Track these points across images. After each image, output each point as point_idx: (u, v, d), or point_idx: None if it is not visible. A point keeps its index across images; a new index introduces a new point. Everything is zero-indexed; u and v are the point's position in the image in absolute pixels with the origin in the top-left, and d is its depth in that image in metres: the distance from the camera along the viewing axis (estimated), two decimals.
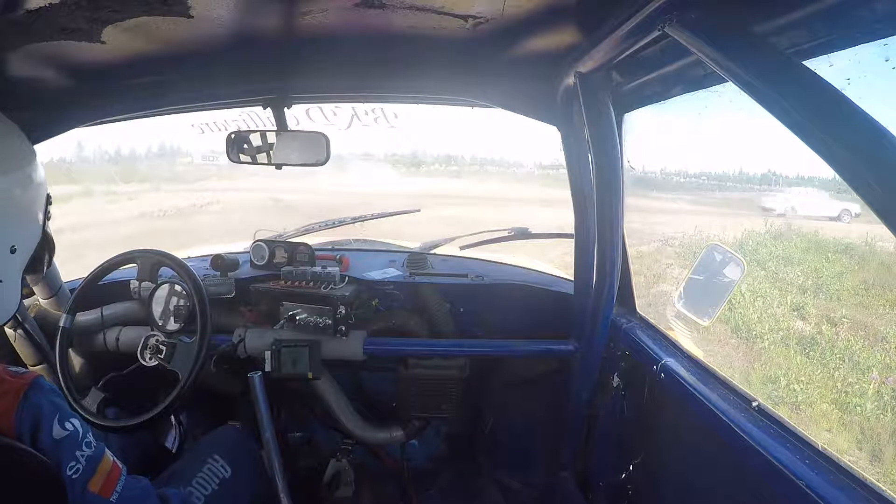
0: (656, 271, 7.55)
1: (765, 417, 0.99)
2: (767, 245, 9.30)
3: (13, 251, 0.88)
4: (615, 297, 1.42)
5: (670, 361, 1.26)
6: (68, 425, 0.83)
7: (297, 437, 2.04)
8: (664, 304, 5.08)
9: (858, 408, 4.74)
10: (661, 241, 9.33)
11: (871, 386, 4.95)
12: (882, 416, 4.62)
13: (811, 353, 5.69)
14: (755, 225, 10.49)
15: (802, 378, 5.23)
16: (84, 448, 0.83)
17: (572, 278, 1.58)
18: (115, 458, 0.90)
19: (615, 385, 1.50)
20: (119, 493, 0.86)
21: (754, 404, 1.02)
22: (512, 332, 1.74)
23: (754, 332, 5.97)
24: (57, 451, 0.80)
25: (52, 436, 0.80)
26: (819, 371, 5.36)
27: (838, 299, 7.01)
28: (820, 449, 0.87)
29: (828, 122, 0.58)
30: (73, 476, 0.81)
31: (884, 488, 0.75)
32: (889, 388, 4.87)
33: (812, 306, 6.79)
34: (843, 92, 0.57)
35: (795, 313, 6.65)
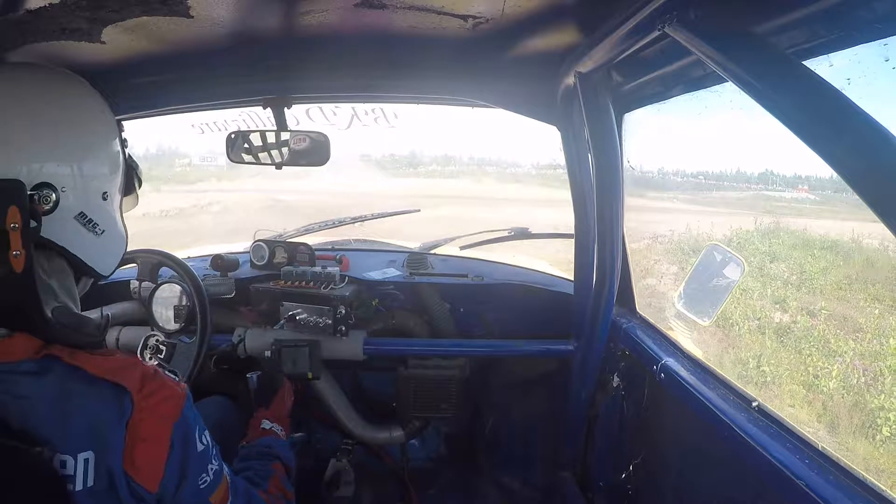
0: (644, 266, 7.77)
1: (765, 417, 0.99)
2: (754, 242, 9.51)
3: (105, 198, 0.83)
4: (615, 297, 1.42)
5: (670, 361, 1.26)
6: (204, 439, 0.80)
7: (297, 437, 2.04)
8: (649, 295, 5.50)
9: (824, 388, 5.11)
10: (651, 238, 9.51)
11: (836, 367, 5.28)
12: (846, 395, 4.96)
13: (785, 340, 6.00)
14: (745, 223, 10.65)
15: (773, 361, 5.53)
16: (213, 462, 0.81)
17: (572, 278, 1.59)
18: (228, 468, 0.88)
19: (615, 385, 1.50)
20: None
21: (754, 404, 1.02)
22: (512, 332, 1.74)
23: (731, 321, 6.22)
24: (196, 463, 0.77)
25: (197, 448, 0.78)
26: (792, 356, 5.65)
27: (820, 293, 7.27)
28: (820, 449, 0.87)
29: (828, 122, 0.58)
30: (202, 487, 0.78)
31: (884, 488, 0.75)
32: (857, 371, 5.19)
33: (794, 299, 7.06)
34: (843, 92, 0.57)
35: (777, 305, 6.91)
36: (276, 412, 1.29)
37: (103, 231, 0.82)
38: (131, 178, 0.91)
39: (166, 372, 0.78)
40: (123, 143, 0.89)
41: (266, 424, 1.22)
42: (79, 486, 0.66)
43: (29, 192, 0.71)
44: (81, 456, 0.66)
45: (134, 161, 0.92)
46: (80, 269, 0.82)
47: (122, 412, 0.69)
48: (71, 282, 0.82)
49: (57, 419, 0.66)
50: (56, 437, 0.66)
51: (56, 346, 0.70)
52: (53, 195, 0.74)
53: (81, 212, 0.79)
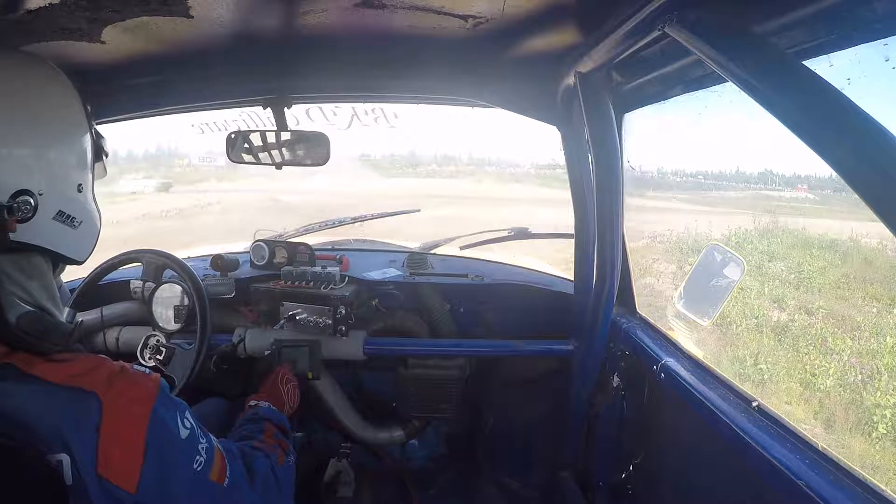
0: (643, 266, 7.88)
1: (765, 417, 0.99)
2: (753, 241, 9.60)
3: (80, 189, 0.80)
4: (615, 297, 1.42)
5: (670, 361, 1.26)
6: (187, 422, 0.77)
7: (297, 437, 2.04)
8: (647, 294, 5.62)
9: (821, 385, 5.19)
10: (650, 237, 9.58)
11: (833, 365, 5.36)
12: (843, 393, 5.04)
13: (783, 338, 6.08)
14: (744, 222, 10.72)
15: (770, 359, 5.60)
16: (202, 440, 0.79)
17: (572, 278, 1.59)
18: (216, 440, 0.85)
19: (615, 385, 1.50)
20: (228, 476, 0.82)
21: (754, 404, 1.02)
22: (512, 332, 1.74)
23: (729, 319, 6.29)
24: (184, 451, 0.76)
25: (180, 436, 0.75)
26: (790, 354, 5.74)
27: (818, 292, 7.37)
28: (820, 449, 0.87)
29: (828, 122, 0.58)
30: (198, 469, 0.76)
31: (884, 488, 0.75)
32: (854, 369, 5.27)
33: (792, 298, 7.15)
34: (843, 92, 0.57)
35: (775, 304, 6.99)
36: (266, 395, 1.25)
37: (80, 222, 0.80)
38: (99, 152, 0.87)
39: (134, 366, 0.76)
40: (90, 121, 0.85)
41: (252, 402, 1.19)
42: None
43: (6, 203, 0.69)
44: (54, 457, 0.64)
45: (98, 132, 0.88)
46: (58, 261, 0.81)
47: (87, 417, 0.67)
48: (50, 279, 0.80)
49: (19, 424, 0.64)
50: (22, 439, 0.63)
51: (19, 353, 0.68)
52: (32, 201, 0.72)
53: (59, 210, 0.77)
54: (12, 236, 0.70)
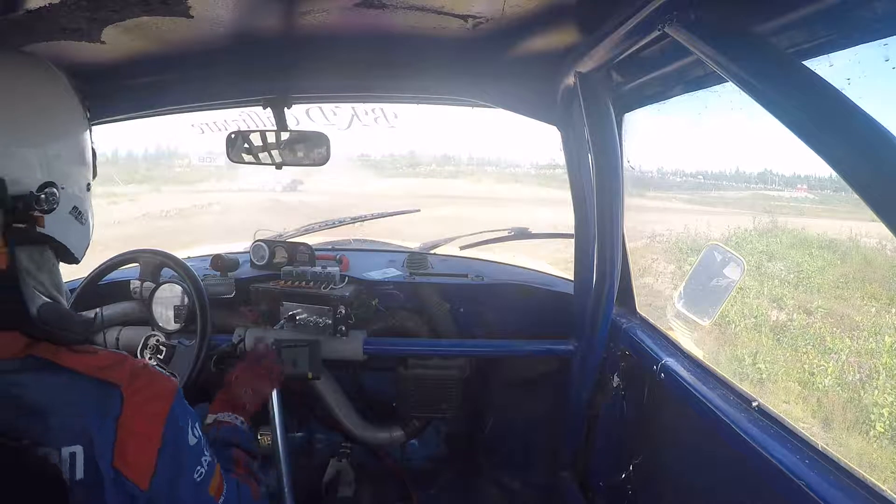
0: (642, 265, 7.89)
1: (765, 417, 0.99)
2: (752, 241, 9.63)
3: (88, 188, 0.83)
4: (615, 297, 1.42)
5: (670, 361, 1.26)
6: (196, 431, 0.79)
7: (297, 437, 2.04)
8: (646, 294, 5.65)
9: (819, 385, 5.24)
10: (649, 237, 9.61)
11: (831, 364, 5.40)
12: (841, 392, 5.09)
13: (781, 337, 6.14)
14: (743, 222, 10.74)
15: (769, 359, 5.65)
16: (206, 453, 0.80)
17: (572, 278, 1.59)
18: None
19: (615, 385, 1.50)
20: (224, 494, 0.83)
21: (754, 404, 1.02)
22: (512, 332, 1.74)
23: (727, 318, 6.35)
24: (190, 457, 0.76)
25: (190, 442, 0.76)
26: (788, 354, 5.81)
27: (818, 291, 7.46)
28: (820, 449, 0.87)
29: (828, 122, 0.58)
30: (198, 480, 0.77)
31: (884, 488, 0.75)
32: (853, 368, 5.34)
33: (791, 298, 7.22)
34: (843, 92, 0.57)
35: (774, 304, 7.06)
36: (222, 400, 1.16)
37: (86, 220, 0.83)
38: (94, 153, 0.89)
39: (154, 365, 0.78)
40: (88, 121, 0.87)
41: (210, 419, 1.12)
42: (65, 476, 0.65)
43: (36, 193, 0.71)
44: (67, 450, 0.65)
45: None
46: (64, 258, 0.83)
47: (109, 409, 0.68)
48: (58, 272, 0.82)
49: (38, 415, 0.65)
50: (37, 431, 0.64)
51: (42, 344, 0.69)
52: (57, 193, 0.74)
53: (74, 206, 0.79)
54: (39, 229, 0.72)
